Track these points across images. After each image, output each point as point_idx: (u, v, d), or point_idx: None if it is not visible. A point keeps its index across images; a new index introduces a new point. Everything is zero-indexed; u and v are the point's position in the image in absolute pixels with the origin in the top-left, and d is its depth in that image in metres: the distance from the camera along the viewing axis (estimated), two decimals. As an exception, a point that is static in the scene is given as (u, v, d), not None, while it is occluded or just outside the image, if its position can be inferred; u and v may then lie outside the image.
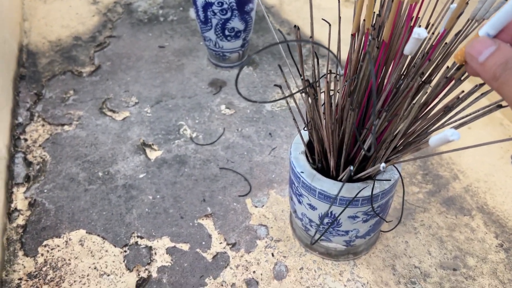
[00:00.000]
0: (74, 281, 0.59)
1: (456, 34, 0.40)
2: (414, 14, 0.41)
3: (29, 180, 0.72)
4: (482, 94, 0.40)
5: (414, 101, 0.40)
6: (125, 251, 0.62)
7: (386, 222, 0.63)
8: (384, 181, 0.49)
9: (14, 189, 0.70)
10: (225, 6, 0.82)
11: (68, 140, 0.79)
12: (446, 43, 0.40)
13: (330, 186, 0.48)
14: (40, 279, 0.59)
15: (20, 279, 0.59)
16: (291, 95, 0.39)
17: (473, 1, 0.38)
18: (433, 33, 0.42)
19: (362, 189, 0.48)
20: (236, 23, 0.86)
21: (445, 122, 0.43)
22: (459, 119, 0.42)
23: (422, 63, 0.40)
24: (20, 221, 0.66)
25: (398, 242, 0.63)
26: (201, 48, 1.02)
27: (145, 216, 0.66)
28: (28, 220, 0.66)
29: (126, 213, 0.67)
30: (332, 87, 0.44)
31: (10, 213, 0.67)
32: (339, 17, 0.44)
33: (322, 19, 0.45)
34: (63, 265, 0.60)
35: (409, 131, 0.45)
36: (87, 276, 0.59)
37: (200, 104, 0.87)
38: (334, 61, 1.00)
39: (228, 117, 0.84)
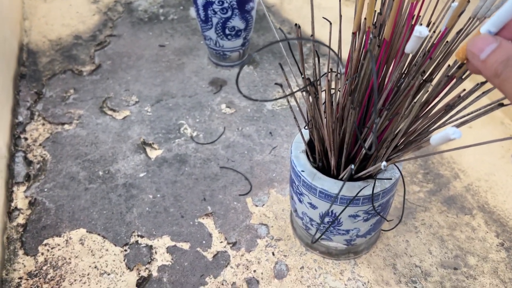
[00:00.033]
0: (75, 280, 0.58)
1: (458, 33, 0.39)
2: (415, 13, 0.41)
3: (29, 179, 0.72)
4: (483, 92, 0.40)
5: (415, 100, 0.40)
6: (126, 250, 0.62)
7: (387, 221, 0.63)
8: (385, 180, 0.49)
9: (15, 188, 0.70)
10: (226, 5, 0.82)
11: (69, 139, 0.79)
12: (447, 41, 0.40)
13: (330, 185, 0.48)
14: (40, 278, 0.59)
15: (20, 278, 0.59)
16: (292, 93, 0.39)
17: (474, 0, 0.38)
18: (434, 32, 0.42)
19: (363, 188, 0.47)
20: (237, 22, 0.86)
21: (446, 120, 0.43)
22: (460, 118, 0.42)
23: (423, 61, 0.40)
24: (21, 220, 0.66)
25: (399, 241, 0.63)
26: (202, 47, 1.02)
27: (145, 215, 0.66)
28: (29, 219, 0.66)
29: (126, 212, 0.67)
30: (333, 86, 0.44)
31: (11, 212, 0.67)
32: (340, 16, 0.44)
33: (323, 17, 0.45)
34: (63, 264, 0.60)
35: (410, 130, 0.45)
36: (88, 275, 0.59)
37: (201, 103, 0.86)
38: (335, 60, 1.00)
39: (228, 116, 0.83)
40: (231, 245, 0.63)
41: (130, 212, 0.67)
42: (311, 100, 0.45)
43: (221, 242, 0.63)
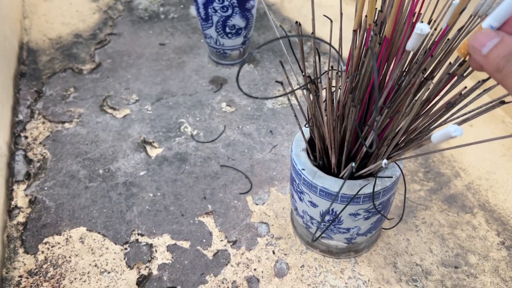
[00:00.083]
0: (75, 279, 0.58)
1: (459, 30, 0.39)
2: (416, 10, 0.40)
3: (29, 177, 0.72)
4: (484, 90, 0.40)
5: (416, 98, 0.40)
6: (126, 249, 0.62)
7: (388, 219, 0.63)
8: (386, 178, 0.49)
9: (15, 187, 0.70)
10: (226, 3, 0.82)
11: (69, 138, 0.79)
12: (448, 39, 0.40)
13: (331, 183, 0.48)
14: (40, 277, 0.59)
15: (20, 276, 0.59)
16: (293, 91, 0.39)
17: (476, -3, 0.38)
18: (435, 29, 0.42)
19: (363, 186, 0.47)
20: (237, 21, 0.86)
21: (448, 118, 0.43)
22: (462, 116, 0.41)
23: (425, 59, 0.40)
24: (21, 218, 0.66)
25: (400, 239, 0.63)
26: (202, 46, 1.02)
27: (145, 214, 0.66)
28: (29, 218, 0.66)
29: (126, 211, 0.67)
30: (333, 84, 0.44)
31: (11, 211, 0.67)
32: (341, 13, 0.44)
33: (324, 15, 0.44)
34: (63, 262, 0.60)
35: (411, 127, 0.45)
36: (88, 273, 0.59)
37: (201, 101, 0.86)
38: (335, 58, 1.00)
39: (229, 115, 0.83)
40: (231, 243, 0.62)
41: (130, 211, 0.67)
42: (311, 98, 0.45)
43: (222, 240, 0.63)
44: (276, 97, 0.42)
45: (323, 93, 0.44)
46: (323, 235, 0.56)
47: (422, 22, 0.38)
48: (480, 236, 0.63)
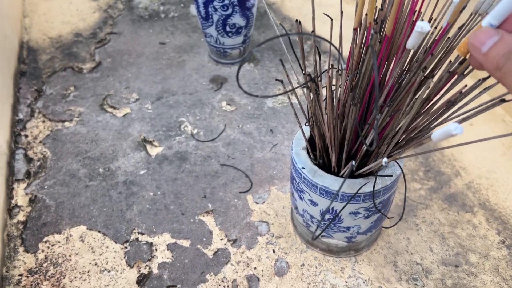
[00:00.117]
0: (75, 277, 0.58)
1: (459, 28, 0.39)
2: (417, 8, 0.40)
3: (29, 176, 0.72)
4: (485, 89, 0.40)
5: (416, 96, 0.40)
6: (126, 247, 0.62)
7: (388, 218, 0.63)
8: (386, 177, 0.49)
9: (15, 185, 0.70)
10: (226, 2, 0.82)
11: (69, 137, 0.79)
12: (449, 37, 0.40)
13: (331, 182, 0.48)
14: (40, 275, 0.59)
15: (20, 275, 0.59)
16: (293, 89, 0.39)
17: (476, -5, 0.37)
18: (435, 28, 0.42)
19: (363, 185, 0.47)
20: (237, 19, 0.86)
21: (448, 117, 0.43)
22: (462, 114, 0.41)
23: (425, 57, 0.40)
24: (21, 217, 0.66)
25: (400, 238, 0.63)
26: (202, 45, 1.01)
27: (145, 213, 0.66)
28: (29, 216, 0.66)
29: (126, 210, 0.67)
30: (334, 82, 0.44)
31: (11, 209, 0.67)
32: (341, 12, 0.44)
33: (324, 13, 0.44)
34: (63, 261, 0.60)
35: (411, 126, 0.44)
36: (88, 272, 0.59)
37: (201, 100, 0.86)
38: (335, 57, 1.00)
39: (229, 114, 0.83)
40: (231, 242, 0.62)
41: (130, 210, 0.67)
42: (312, 96, 0.45)
43: (222, 239, 0.63)
44: (276, 95, 0.42)
45: (323, 92, 0.44)
46: (323, 233, 0.56)
47: (422, 20, 0.38)
48: (480, 235, 0.63)
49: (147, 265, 0.60)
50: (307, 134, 0.54)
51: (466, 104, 0.41)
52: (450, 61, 0.38)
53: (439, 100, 0.42)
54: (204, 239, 0.63)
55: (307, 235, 0.61)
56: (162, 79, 0.92)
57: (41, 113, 0.83)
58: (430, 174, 0.72)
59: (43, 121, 0.81)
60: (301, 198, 0.54)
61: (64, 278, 0.58)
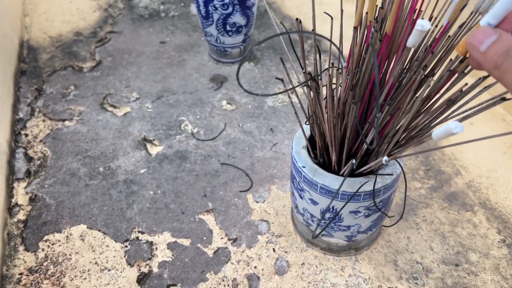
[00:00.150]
0: (75, 276, 0.58)
1: (460, 27, 0.39)
2: (417, 7, 0.40)
3: (29, 175, 0.72)
4: (485, 87, 0.40)
5: (417, 95, 0.40)
6: (126, 246, 0.62)
7: (388, 217, 0.63)
8: (386, 176, 0.48)
9: (15, 184, 0.70)
10: (227, 1, 0.82)
11: (69, 136, 0.79)
12: (449, 35, 0.40)
13: (331, 180, 0.48)
14: (40, 274, 0.59)
15: (20, 274, 0.59)
16: (293, 88, 0.39)
17: (477, -7, 0.37)
18: (436, 26, 0.42)
19: (364, 184, 0.47)
20: (238, 18, 0.86)
21: (448, 115, 0.43)
22: (462, 113, 0.41)
23: (425, 56, 0.40)
24: (21, 216, 0.66)
25: (400, 237, 0.63)
26: (202, 44, 1.01)
27: (146, 211, 0.66)
28: (29, 215, 0.66)
29: (127, 208, 0.67)
30: (334, 81, 0.44)
31: (11, 208, 0.67)
32: (341, 11, 0.44)
33: (324, 12, 0.44)
34: (63, 260, 0.60)
35: (411, 125, 0.44)
36: (88, 271, 0.59)
37: (201, 99, 0.86)
38: (336, 56, 1.00)
39: (229, 113, 0.83)
40: (231, 241, 0.62)
41: (130, 208, 0.67)
42: (312, 95, 0.45)
43: (222, 238, 0.63)
44: (277, 94, 0.42)
45: (324, 91, 0.44)
46: (324, 232, 0.56)
47: (423, 18, 0.38)
48: (480, 234, 0.63)
49: (147, 264, 0.60)
50: (308, 133, 0.54)
51: (466, 102, 0.41)
52: (451, 60, 0.38)
53: (440, 98, 0.42)
54: (204, 238, 0.63)
55: (307, 234, 0.61)
56: (162, 78, 0.92)
57: (41, 112, 0.83)
58: (431, 173, 0.72)
59: (43, 120, 0.81)
60: (301, 197, 0.54)
61: (64, 277, 0.58)
